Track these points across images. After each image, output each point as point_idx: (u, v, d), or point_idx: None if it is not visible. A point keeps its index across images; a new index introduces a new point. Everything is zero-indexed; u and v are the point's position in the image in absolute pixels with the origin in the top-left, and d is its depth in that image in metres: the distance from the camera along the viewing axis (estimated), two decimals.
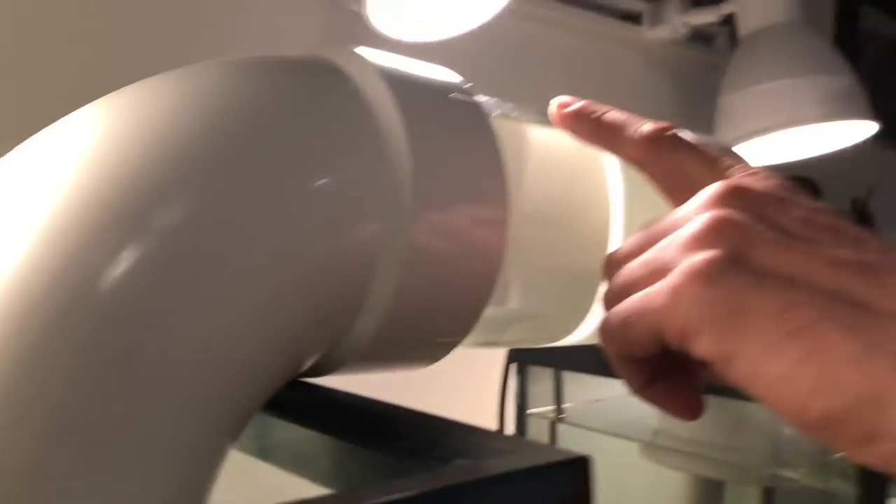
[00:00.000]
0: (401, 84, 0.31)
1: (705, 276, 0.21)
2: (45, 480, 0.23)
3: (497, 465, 0.22)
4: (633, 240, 0.26)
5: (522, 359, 0.64)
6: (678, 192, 0.27)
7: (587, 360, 0.56)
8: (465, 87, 0.34)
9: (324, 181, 0.28)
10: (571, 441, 0.64)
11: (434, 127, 0.31)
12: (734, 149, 0.69)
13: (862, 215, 1.37)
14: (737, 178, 0.25)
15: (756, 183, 0.25)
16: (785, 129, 0.72)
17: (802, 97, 0.72)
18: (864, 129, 0.78)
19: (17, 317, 0.23)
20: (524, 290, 0.42)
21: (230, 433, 0.27)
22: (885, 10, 1.31)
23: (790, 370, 0.20)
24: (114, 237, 0.25)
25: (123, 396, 0.24)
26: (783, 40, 0.75)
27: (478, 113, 0.32)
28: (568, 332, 0.48)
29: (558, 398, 0.64)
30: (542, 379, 0.65)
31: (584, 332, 0.48)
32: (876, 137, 0.80)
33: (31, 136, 0.30)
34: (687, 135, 0.44)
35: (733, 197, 0.23)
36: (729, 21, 0.85)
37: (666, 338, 0.22)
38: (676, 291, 0.21)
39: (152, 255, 0.25)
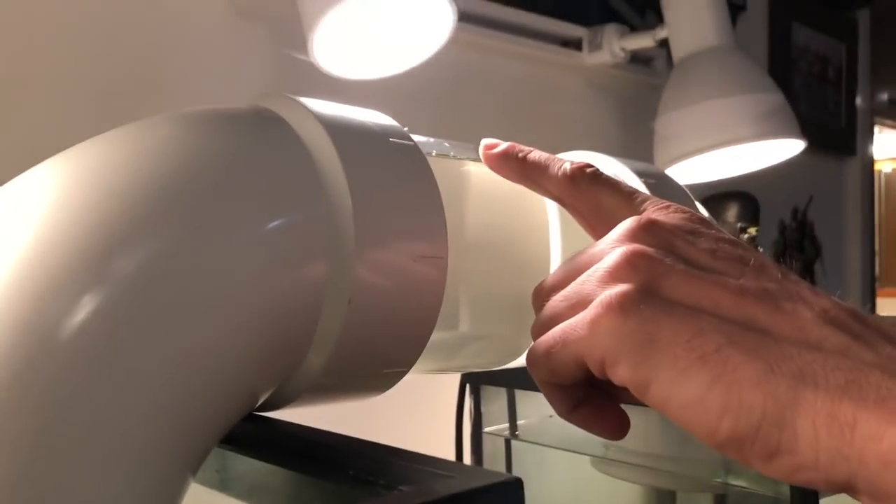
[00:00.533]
0: (340, 131, 0.33)
1: (620, 308, 0.22)
2: None
3: (438, 490, 0.24)
4: (557, 273, 0.28)
5: (475, 380, 0.66)
6: (598, 227, 0.29)
7: None
8: (402, 131, 0.36)
9: (270, 227, 0.30)
10: (526, 457, 0.66)
11: (373, 170, 0.32)
12: (670, 170, 0.71)
13: (802, 223, 1.42)
14: (649, 212, 0.27)
15: (667, 217, 0.26)
16: (717, 149, 0.76)
17: (733, 116, 0.76)
18: (793, 146, 0.82)
19: None
20: (471, 315, 0.44)
21: (191, 467, 0.29)
22: (814, 26, 1.37)
23: (699, 394, 0.21)
24: (72, 288, 0.26)
25: (87, 438, 0.25)
26: (714, 63, 0.78)
27: (415, 155, 0.34)
28: (517, 354, 0.50)
29: (512, 416, 0.66)
30: (496, 398, 0.67)
31: None
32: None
33: None
34: (611, 164, 0.46)
35: (645, 231, 0.25)
36: (666, 44, 0.88)
37: (587, 366, 0.24)
38: (595, 323, 0.23)
39: (109, 304, 0.26)
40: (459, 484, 0.24)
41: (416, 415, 0.75)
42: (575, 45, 0.93)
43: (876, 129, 1.75)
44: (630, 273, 0.23)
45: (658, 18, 0.90)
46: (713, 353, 0.21)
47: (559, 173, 0.31)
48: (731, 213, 0.93)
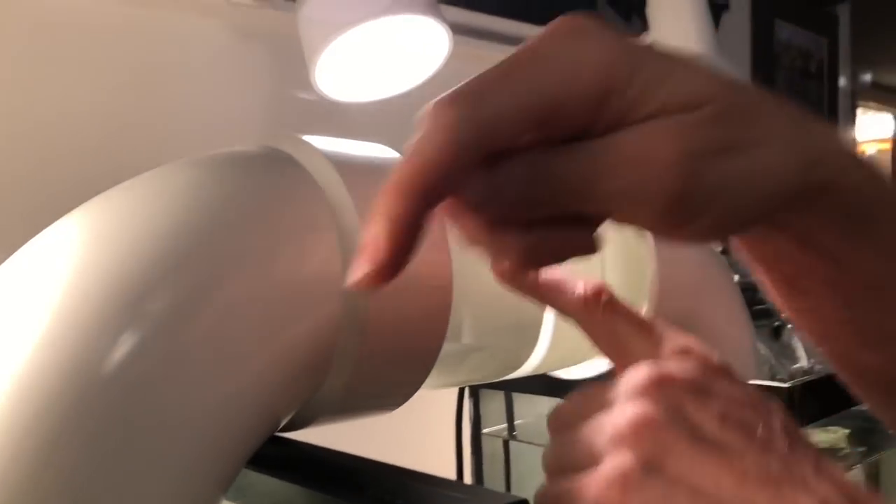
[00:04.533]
0: (349, 168, 0.35)
1: (623, 486, 0.24)
2: None
3: None
4: (573, 406, 0.28)
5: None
6: (613, 353, 0.30)
7: (534, 381, 0.60)
8: None
9: (288, 263, 0.32)
10: (523, 457, 0.68)
11: None
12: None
13: None
14: (662, 364, 0.28)
15: (681, 370, 0.27)
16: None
17: None
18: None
19: (33, 411, 0.27)
20: (472, 328, 0.46)
21: (222, 486, 0.31)
22: (796, 22, 1.39)
23: None
24: (111, 328, 0.28)
25: (133, 461, 0.28)
26: None
27: None
28: (516, 367, 0.53)
29: (510, 418, 0.69)
30: (493, 399, 0.70)
31: (531, 364, 0.53)
32: None
33: None
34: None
35: (657, 388, 0.26)
36: None
37: None
38: (599, 499, 0.24)
39: (146, 341, 0.28)
40: None
41: (416, 417, 0.77)
42: None
43: (860, 111, 1.77)
44: (636, 442, 0.24)
45: (643, 23, 0.92)
46: None
47: (574, 297, 0.30)
48: None
